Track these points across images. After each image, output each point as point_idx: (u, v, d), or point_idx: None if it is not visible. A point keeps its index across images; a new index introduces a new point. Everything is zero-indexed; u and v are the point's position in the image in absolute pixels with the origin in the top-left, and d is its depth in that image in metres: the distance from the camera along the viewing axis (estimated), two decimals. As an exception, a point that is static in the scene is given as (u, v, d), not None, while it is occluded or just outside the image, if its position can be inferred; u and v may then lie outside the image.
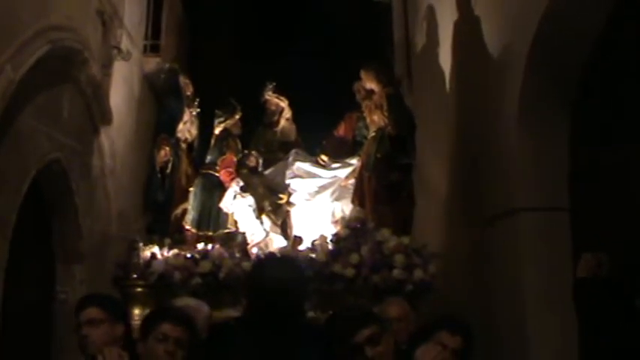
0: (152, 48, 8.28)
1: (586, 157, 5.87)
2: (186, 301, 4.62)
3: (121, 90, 7.01)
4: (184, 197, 7.84)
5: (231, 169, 7.64)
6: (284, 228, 7.19)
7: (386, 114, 6.95)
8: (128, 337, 3.54)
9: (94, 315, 3.41)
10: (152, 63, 8.09)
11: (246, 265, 6.48)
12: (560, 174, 5.80)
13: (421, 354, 3.36)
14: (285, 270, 3.02)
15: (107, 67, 6.49)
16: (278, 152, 8.17)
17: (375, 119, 7.11)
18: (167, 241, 7.24)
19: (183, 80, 8.15)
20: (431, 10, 8.03)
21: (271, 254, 6.25)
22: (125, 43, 6.92)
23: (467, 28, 7.00)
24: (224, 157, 7.86)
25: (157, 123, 8.01)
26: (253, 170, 7.67)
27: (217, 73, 9.31)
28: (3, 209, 4.77)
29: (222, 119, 8.10)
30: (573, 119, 5.85)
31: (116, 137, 6.77)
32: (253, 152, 7.88)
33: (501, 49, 6.27)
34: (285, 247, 6.82)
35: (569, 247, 5.58)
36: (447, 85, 7.45)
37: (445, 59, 7.52)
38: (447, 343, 3.45)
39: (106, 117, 6.44)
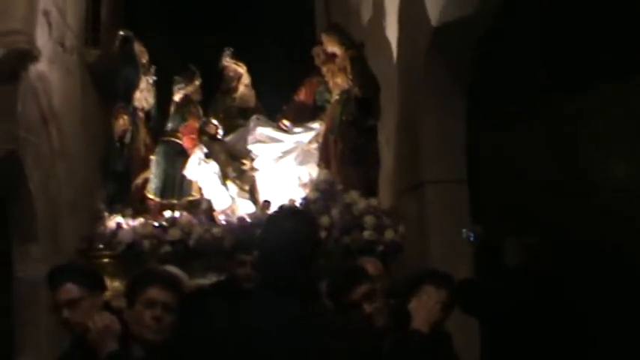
0: (93, 40, 8.33)
1: (482, 134, 6.43)
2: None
3: (66, 81, 7.40)
4: (144, 166, 7.70)
5: (194, 136, 7.52)
6: (252, 193, 7.12)
7: (350, 77, 6.95)
8: (109, 308, 3.44)
9: (72, 294, 3.23)
10: (94, 54, 8.18)
11: (216, 231, 6.44)
12: (459, 149, 6.41)
13: (418, 305, 3.38)
14: (296, 224, 2.76)
15: (53, 61, 6.95)
16: (237, 119, 8.07)
17: (339, 82, 7.10)
18: (129, 211, 7.12)
19: (138, 48, 7.98)
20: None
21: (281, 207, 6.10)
22: (69, 38, 7.49)
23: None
24: (186, 123, 7.74)
25: (113, 92, 7.87)
26: (213, 137, 7.57)
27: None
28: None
29: (181, 85, 7.95)
30: (470, 99, 6.46)
31: (64, 125, 7.11)
32: (212, 119, 7.75)
33: (419, 30, 6.60)
34: (254, 212, 6.77)
35: (467, 216, 6.19)
36: (394, 56, 7.43)
37: (391, 31, 7.51)
38: (434, 296, 3.49)
39: (54, 108, 6.86)
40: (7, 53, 5.71)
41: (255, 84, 8.35)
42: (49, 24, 6.89)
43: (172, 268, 4.50)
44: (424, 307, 3.35)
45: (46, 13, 6.79)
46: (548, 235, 6.27)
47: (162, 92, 8.29)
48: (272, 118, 7.95)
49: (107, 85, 8.18)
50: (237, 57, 8.32)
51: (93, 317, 3.11)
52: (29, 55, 6.13)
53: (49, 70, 6.82)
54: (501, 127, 6.54)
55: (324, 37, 7.28)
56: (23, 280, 6.29)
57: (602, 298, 5.78)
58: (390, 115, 7.25)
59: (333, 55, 7.23)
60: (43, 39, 6.61)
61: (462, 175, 6.44)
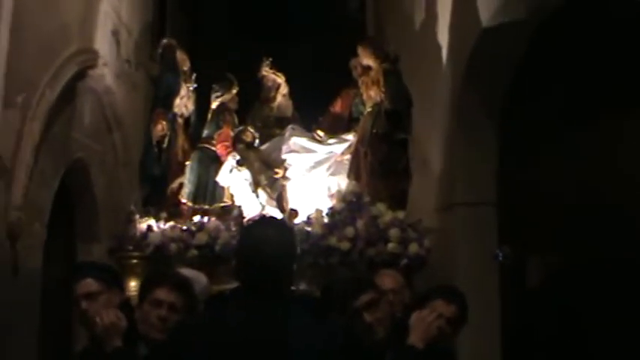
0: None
1: (512, 161, 6.64)
2: (184, 272, 4.58)
3: (132, 95, 8.03)
4: (181, 171, 7.80)
5: (227, 143, 7.61)
6: (279, 201, 7.18)
7: (382, 89, 6.99)
8: (127, 306, 3.54)
9: (91, 288, 3.39)
10: (157, 67, 8.42)
11: (243, 237, 6.49)
12: (489, 174, 6.62)
13: (417, 319, 3.35)
14: (277, 231, 2.77)
15: (119, 77, 7.57)
16: (274, 128, 8.13)
17: (372, 95, 7.15)
18: (163, 214, 7.25)
19: (180, 55, 8.12)
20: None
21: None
22: (135, 54, 8.16)
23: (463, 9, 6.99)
24: (221, 131, 7.85)
25: (153, 98, 8.03)
26: (249, 145, 7.65)
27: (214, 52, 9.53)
28: (42, 200, 5.91)
29: (219, 94, 8.08)
30: (502, 126, 6.66)
31: (129, 135, 7.78)
32: (249, 127, 7.84)
33: (461, 46, 6.68)
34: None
35: (495, 237, 6.47)
36: (443, 61, 7.38)
37: (442, 36, 7.45)
38: (443, 311, 3.46)
39: (118, 119, 7.53)
40: (78, 71, 6.32)
41: (293, 94, 8.42)
42: (118, 43, 7.56)
43: (188, 272, 4.57)
44: (422, 321, 3.31)
45: (115, 33, 7.51)
46: (572, 255, 6.28)
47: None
48: (309, 128, 8.01)
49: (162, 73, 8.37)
50: (276, 67, 8.41)
51: (101, 313, 3.21)
52: (97, 71, 6.78)
53: (116, 85, 7.43)
54: (531, 151, 6.59)
55: (360, 50, 7.33)
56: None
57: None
58: (427, 130, 7.29)
59: (368, 68, 7.28)
60: (111, 57, 7.30)
61: (491, 198, 6.57)
